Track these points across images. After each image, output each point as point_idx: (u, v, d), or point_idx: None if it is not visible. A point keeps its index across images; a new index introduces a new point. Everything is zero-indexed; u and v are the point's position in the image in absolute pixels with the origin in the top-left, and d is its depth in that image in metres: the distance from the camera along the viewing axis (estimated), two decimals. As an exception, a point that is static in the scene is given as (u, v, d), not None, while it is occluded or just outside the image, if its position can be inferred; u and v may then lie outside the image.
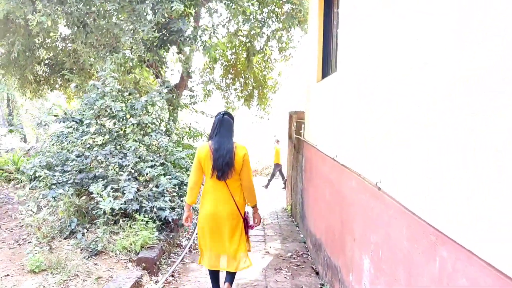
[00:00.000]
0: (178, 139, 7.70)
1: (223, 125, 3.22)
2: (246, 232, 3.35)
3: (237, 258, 3.23)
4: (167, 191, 4.63)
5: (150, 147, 5.32)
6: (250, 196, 3.29)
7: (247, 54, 9.48)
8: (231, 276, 3.29)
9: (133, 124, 5.01)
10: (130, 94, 5.76)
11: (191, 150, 6.15)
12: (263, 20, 8.69)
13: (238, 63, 10.92)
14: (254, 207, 3.43)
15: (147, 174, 4.69)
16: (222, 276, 3.42)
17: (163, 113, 6.56)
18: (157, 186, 4.65)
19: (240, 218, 3.23)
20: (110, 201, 4.14)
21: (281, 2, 7.71)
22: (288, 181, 9.46)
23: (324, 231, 4.30)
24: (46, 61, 9.78)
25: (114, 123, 5.25)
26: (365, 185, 2.73)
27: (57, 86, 9.79)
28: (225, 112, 3.37)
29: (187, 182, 4.97)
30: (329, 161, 4.02)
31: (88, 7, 5.34)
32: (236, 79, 11.15)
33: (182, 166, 5.18)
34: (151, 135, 5.08)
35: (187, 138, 7.84)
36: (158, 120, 5.71)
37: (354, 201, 3.04)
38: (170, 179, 4.84)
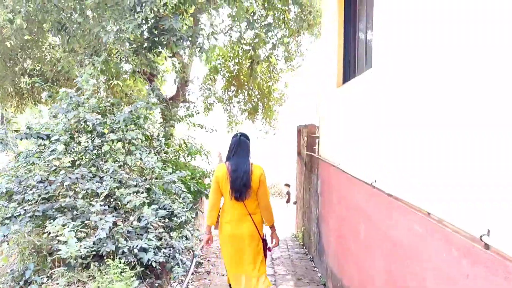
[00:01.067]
0: (174, 157, 6.76)
1: (240, 146, 3.34)
2: (265, 254, 3.39)
3: (258, 281, 3.25)
4: (152, 225, 3.64)
5: (134, 168, 4.36)
6: (268, 215, 3.36)
7: (250, 63, 8.62)
8: None
9: (112, 141, 4.05)
10: (113, 105, 4.84)
11: (186, 171, 5.18)
12: (268, 25, 7.84)
13: (241, 74, 10.05)
14: (272, 227, 3.47)
15: (128, 203, 3.71)
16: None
17: (156, 128, 5.62)
18: (139, 219, 3.66)
19: (259, 239, 3.30)
20: (76, 242, 3.15)
21: (288, 2, 6.85)
22: (298, 203, 8.43)
23: (357, 277, 3.27)
24: (32, 72, 8.92)
25: (93, 140, 4.31)
26: (444, 233, 1.74)
27: (43, 99, 8.93)
28: (241, 133, 3.49)
29: (178, 213, 3.99)
30: (364, 188, 3.03)
31: (63, 1, 4.48)
32: (239, 91, 10.26)
33: (173, 193, 4.20)
34: (135, 154, 4.11)
35: (183, 157, 6.89)
36: (147, 135, 4.77)
37: (420, 253, 2.04)
38: (156, 209, 3.85)
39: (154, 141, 4.70)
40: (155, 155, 4.45)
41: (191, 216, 4.05)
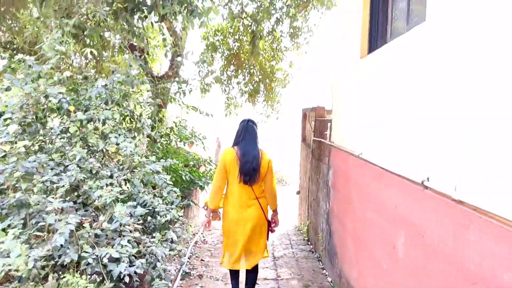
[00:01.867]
0: (165, 142, 5.99)
1: (248, 131, 3.39)
2: (267, 236, 3.50)
3: (256, 257, 3.40)
4: (128, 227, 2.88)
5: (112, 156, 3.58)
6: (273, 200, 3.44)
7: (252, 38, 7.74)
8: (251, 280, 3.52)
9: (80, 121, 3.26)
10: (86, 78, 4.03)
11: (175, 160, 4.43)
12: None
13: (241, 51, 9.18)
14: (274, 211, 3.55)
15: (97, 199, 2.95)
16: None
17: (142, 108, 4.84)
18: (112, 220, 2.91)
19: (265, 222, 3.41)
20: (27, 249, 2.41)
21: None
22: (302, 193, 7.70)
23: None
24: (7, 46, 8.02)
25: (62, 120, 3.52)
26: None
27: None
28: (249, 119, 3.53)
29: (161, 211, 3.24)
30: (407, 188, 2.26)
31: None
32: (239, 70, 9.40)
33: (157, 185, 3.44)
34: (110, 138, 3.33)
35: (175, 142, 6.12)
36: (127, 115, 3.98)
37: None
38: (135, 206, 3.10)
39: (137, 122, 3.90)
40: (135, 139, 3.66)
41: (179, 215, 3.29)
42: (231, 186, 3.36)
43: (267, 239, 3.50)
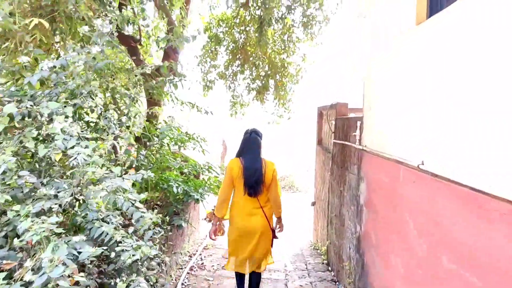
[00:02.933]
0: (157, 146, 4.99)
1: (251, 143, 3.45)
2: (272, 243, 3.55)
3: (261, 264, 3.52)
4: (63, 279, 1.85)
5: (62, 166, 2.57)
6: (277, 209, 3.49)
7: (259, 24, 6.71)
8: (256, 281, 3.65)
9: (10, 116, 2.25)
10: (36, 60, 3.02)
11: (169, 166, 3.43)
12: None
13: (248, 44, 8.16)
14: (279, 219, 3.58)
15: (23, 234, 1.94)
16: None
17: (124, 103, 3.87)
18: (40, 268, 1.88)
19: (269, 230, 3.46)
20: None
21: None
22: (318, 205, 6.62)
23: None
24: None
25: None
26: None
27: None
28: (253, 130, 3.55)
29: (125, 249, 2.19)
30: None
31: None
32: (246, 65, 8.37)
33: (118, 208, 2.39)
34: (57, 140, 2.30)
35: (168, 144, 5.11)
36: (93, 109, 2.96)
37: None
38: (93, 241, 2.09)
39: (101, 120, 2.86)
40: (99, 142, 2.63)
41: (156, 252, 2.25)
42: (236, 196, 3.42)
43: (271, 245, 3.58)
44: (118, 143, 3.14)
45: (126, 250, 2.14)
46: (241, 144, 3.51)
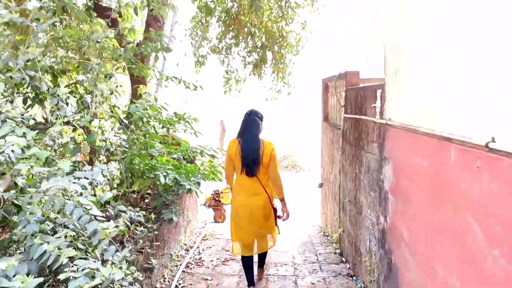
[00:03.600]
0: (141, 127, 4.35)
1: (250, 123, 3.48)
2: (276, 222, 3.60)
3: (265, 239, 3.58)
4: None
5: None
6: (278, 188, 3.48)
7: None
8: (261, 261, 3.90)
9: None
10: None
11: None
12: None
13: (241, 13, 7.35)
14: (282, 200, 3.55)
15: None
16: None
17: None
18: None
19: (271, 209, 3.52)
20: None
21: None
22: (326, 187, 6.02)
23: None
24: None
25: None
26: None
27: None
28: (252, 110, 3.57)
29: (70, 280, 1.55)
30: None
31: None
32: (240, 37, 7.59)
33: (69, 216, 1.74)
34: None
35: (154, 127, 4.46)
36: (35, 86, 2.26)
37: None
38: (35, 263, 1.45)
39: (46, 98, 2.19)
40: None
41: (122, 275, 1.63)
42: (237, 176, 3.50)
43: (276, 224, 3.61)
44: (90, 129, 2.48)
45: (74, 277, 1.51)
46: (241, 125, 3.54)
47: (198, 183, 4.32)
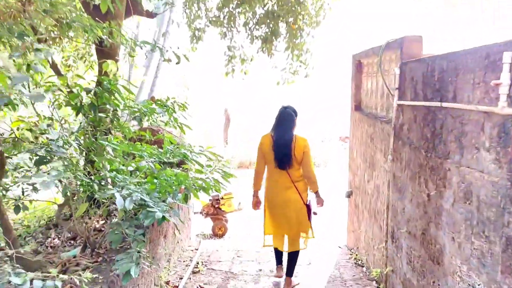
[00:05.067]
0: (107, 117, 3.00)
1: (284, 117, 3.50)
2: (309, 218, 3.57)
3: (298, 238, 3.59)
4: None
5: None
6: (312, 183, 3.54)
7: None
8: (290, 268, 3.65)
9: None
10: None
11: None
12: None
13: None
14: (316, 193, 3.60)
15: None
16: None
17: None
18: None
19: (303, 205, 3.51)
20: None
21: None
22: (357, 197, 4.56)
23: None
24: None
25: None
26: None
27: None
28: (288, 106, 3.59)
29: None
30: None
31: None
32: (247, 5, 6.06)
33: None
34: None
35: (118, 119, 3.06)
36: None
37: None
38: None
39: None
40: None
41: None
42: (269, 170, 3.54)
43: (310, 220, 3.57)
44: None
45: None
46: (275, 119, 3.55)
47: (186, 198, 2.95)
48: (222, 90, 13.94)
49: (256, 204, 3.71)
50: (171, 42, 9.14)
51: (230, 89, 13.34)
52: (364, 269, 4.02)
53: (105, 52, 4.05)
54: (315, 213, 3.61)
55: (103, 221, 3.36)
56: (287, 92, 8.87)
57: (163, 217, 2.45)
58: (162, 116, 3.40)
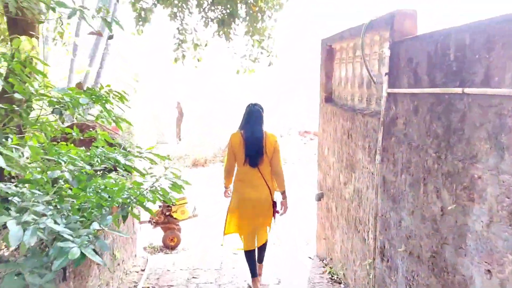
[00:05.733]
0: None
1: (253, 115, 3.49)
2: (274, 216, 3.60)
3: (265, 231, 3.57)
4: None
5: None
6: (280, 181, 3.54)
7: None
8: (261, 255, 3.68)
9: None
10: None
11: None
12: None
13: None
14: (283, 193, 3.60)
15: None
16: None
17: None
18: None
19: (271, 203, 3.53)
20: None
21: None
22: (334, 203, 4.03)
23: None
24: None
25: None
26: None
27: None
28: (254, 103, 3.60)
29: None
30: None
31: None
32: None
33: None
34: None
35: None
36: None
37: None
38: None
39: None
40: None
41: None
42: (239, 168, 3.50)
43: (274, 217, 3.59)
44: None
45: None
46: (243, 117, 3.54)
47: (124, 218, 2.23)
48: (174, 77, 12.92)
49: (226, 193, 3.73)
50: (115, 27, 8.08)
51: (182, 75, 12.32)
52: (342, 286, 3.49)
53: (19, 26, 3.16)
54: (277, 212, 3.61)
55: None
56: (245, 80, 8.18)
57: (83, 255, 1.68)
58: (91, 108, 2.59)
